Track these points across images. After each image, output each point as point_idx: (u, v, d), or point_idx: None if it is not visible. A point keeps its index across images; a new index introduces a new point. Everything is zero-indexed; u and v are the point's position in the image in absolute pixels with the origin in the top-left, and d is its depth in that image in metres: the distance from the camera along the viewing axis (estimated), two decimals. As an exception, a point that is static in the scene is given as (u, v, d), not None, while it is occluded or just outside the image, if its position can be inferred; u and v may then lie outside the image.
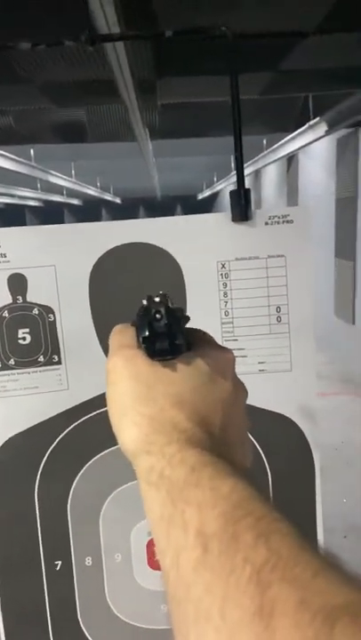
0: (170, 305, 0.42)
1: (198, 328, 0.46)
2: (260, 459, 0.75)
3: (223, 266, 0.72)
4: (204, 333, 0.46)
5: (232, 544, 0.29)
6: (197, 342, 0.44)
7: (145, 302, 0.43)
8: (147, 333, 0.40)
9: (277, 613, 0.25)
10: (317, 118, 4.11)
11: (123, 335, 0.44)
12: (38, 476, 0.72)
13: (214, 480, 0.33)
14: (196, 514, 0.31)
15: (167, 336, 0.40)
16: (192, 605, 0.29)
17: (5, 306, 0.70)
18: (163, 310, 0.41)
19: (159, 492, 0.34)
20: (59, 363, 0.72)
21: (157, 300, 0.42)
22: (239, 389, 0.43)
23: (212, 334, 0.71)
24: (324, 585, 0.26)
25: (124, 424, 0.39)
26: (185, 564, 0.30)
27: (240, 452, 0.40)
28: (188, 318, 0.43)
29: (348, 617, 0.24)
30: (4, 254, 0.70)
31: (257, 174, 8.52)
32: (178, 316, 0.42)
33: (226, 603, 0.27)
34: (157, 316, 0.41)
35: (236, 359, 0.73)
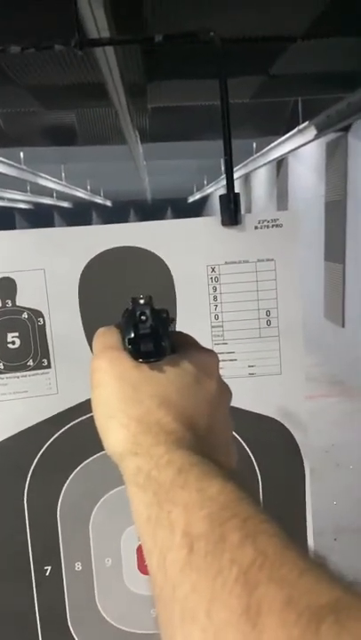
0: (155, 307, 0.42)
1: (182, 331, 0.46)
2: (250, 462, 0.75)
3: (213, 269, 0.72)
4: (188, 336, 0.47)
5: (219, 545, 0.29)
6: (181, 345, 0.44)
7: (130, 304, 0.43)
8: (132, 335, 0.40)
9: (264, 613, 0.26)
10: (307, 122, 4.13)
11: (107, 337, 0.44)
12: (27, 481, 0.72)
13: (201, 481, 0.33)
14: (182, 514, 0.31)
15: (152, 338, 0.40)
16: (178, 606, 0.29)
17: (-6, 310, 0.70)
18: (148, 312, 0.41)
19: (146, 494, 0.34)
20: (48, 367, 0.71)
21: (142, 301, 0.42)
22: (224, 391, 0.44)
23: (202, 338, 0.72)
24: (311, 584, 0.26)
25: (111, 426, 0.39)
26: (171, 564, 0.30)
27: (225, 453, 0.41)
28: (172, 320, 0.43)
29: (333, 616, 0.24)
30: None
31: (247, 178, 8.56)
32: (163, 317, 0.42)
33: (213, 603, 0.27)
34: (142, 317, 0.41)
35: (226, 363, 0.73)
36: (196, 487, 0.33)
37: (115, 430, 0.39)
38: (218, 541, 0.29)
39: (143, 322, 0.41)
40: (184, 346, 0.44)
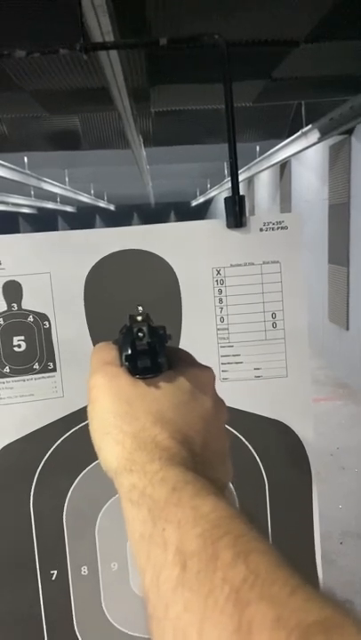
0: (152, 324, 0.43)
1: (179, 348, 0.47)
2: (257, 465, 0.75)
3: (218, 272, 0.72)
4: (186, 353, 0.47)
5: (211, 563, 0.29)
6: (178, 361, 0.44)
7: (128, 321, 0.44)
8: (129, 351, 0.41)
9: (255, 632, 0.26)
10: (310, 125, 4.14)
11: (104, 353, 0.45)
12: (33, 485, 0.72)
13: (195, 499, 0.33)
14: (175, 532, 0.32)
15: (149, 354, 0.41)
16: (171, 624, 0.29)
17: (0, 313, 0.70)
18: (145, 329, 0.42)
19: (140, 511, 0.34)
20: (54, 370, 0.71)
21: (140, 318, 0.43)
22: (220, 407, 0.44)
23: (207, 340, 0.72)
24: (301, 602, 0.26)
25: (107, 442, 0.39)
26: (164, 582, 0.30)
27: (221, 470, 0.40)
28: (170, 337, 0.44)
29: (322, 634, 0.24)
30: None
31: (250, 181, 8.56)
32: (160, 334, 0.42)
33: (204, 622, 0.27)
34: (140, 334, 0.41)
35: (232, 365, 0.73)
36: (189, 505, 0.33)
37: (110, 446, 0.39)
38: (210, 560, 0.29)
39: (140, 338, 0.41)
40: (181, 362, 0.44)
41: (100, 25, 1.39)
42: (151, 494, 0.34)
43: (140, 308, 0.45)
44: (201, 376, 0.43)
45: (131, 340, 0.41)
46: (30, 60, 2.09)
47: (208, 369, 0.45)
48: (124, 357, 0.41)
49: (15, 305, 0.70)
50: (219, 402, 0.44)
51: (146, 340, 0.41)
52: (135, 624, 0.75)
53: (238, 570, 0.28)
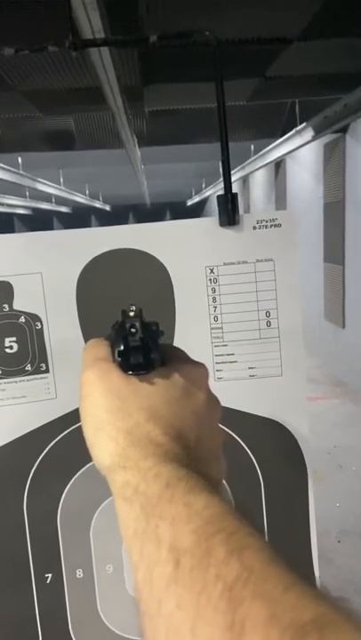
0: (144, 319, 0.42)
1: (172, 344, 0.46)
2: (252, 465, 0.74)
3: (212, 271, 0.72)
4: (178, 349, 0.47)
5: (204, 560, 0.29)
6: (171, 357, 0.44)
7: (120, 317, 0.43)
8: (122, 347, 0.41)
9: (248, 630, 0.25)
10: (304, 124, 4.14)
11: (97, 349, 0.44)
12: (27, 488, 0.71)
13: (188, 495, 0.33)
14: (169, 529, 0.31)
15: (142, 350, 0.41)
16: (163, 621, 0.29)
17: (-9, 314, 0.69)
18: (137, 324, 0.41)
19: (133, 508, 0.34)
20: (46, 371, 0.71)
21: (132, 314, 0.43)
22: (213, 403, 0.43)
23: (201, 340, 0.71)
24: (295, 600, 0.26)
25: (100, 438, 0.39)
26: (157, 579, 0.30)
27: (215, 466, 0.40)
28: (162, 333, 0.44)
29: (317, 632, 0.24)
30: None
31: (245, 180, 8.56)
32: (153, 330, 0.42)
33: (197, 619, 0.27)
34: (132, 330, 0.41)
35: (226, 364, 0.72)
36: (183, 501, 0.32)
37: (103, 443, 0.38)
38: (203, 556, 0.29)
39: (133, 334, 0.41)
40: (174, 358, 0.44)
41: (90, 23, 1.38)
42: (144, 491, 0.34)
43: (133, 307, 0.44)
44: (194, 372, 0.43)
45: (123, 335, 0.41)
46: (22, 59, 2.08)
47: (201, 365, 0.45)
48: (116, 353, 0.41)
49: (6, 306, 0.69)
50: (212, 398, 0.44)
51: (138, 336, 0.41)
52: (131, 627, 0.74)
53: (232, 567, 0.28)
